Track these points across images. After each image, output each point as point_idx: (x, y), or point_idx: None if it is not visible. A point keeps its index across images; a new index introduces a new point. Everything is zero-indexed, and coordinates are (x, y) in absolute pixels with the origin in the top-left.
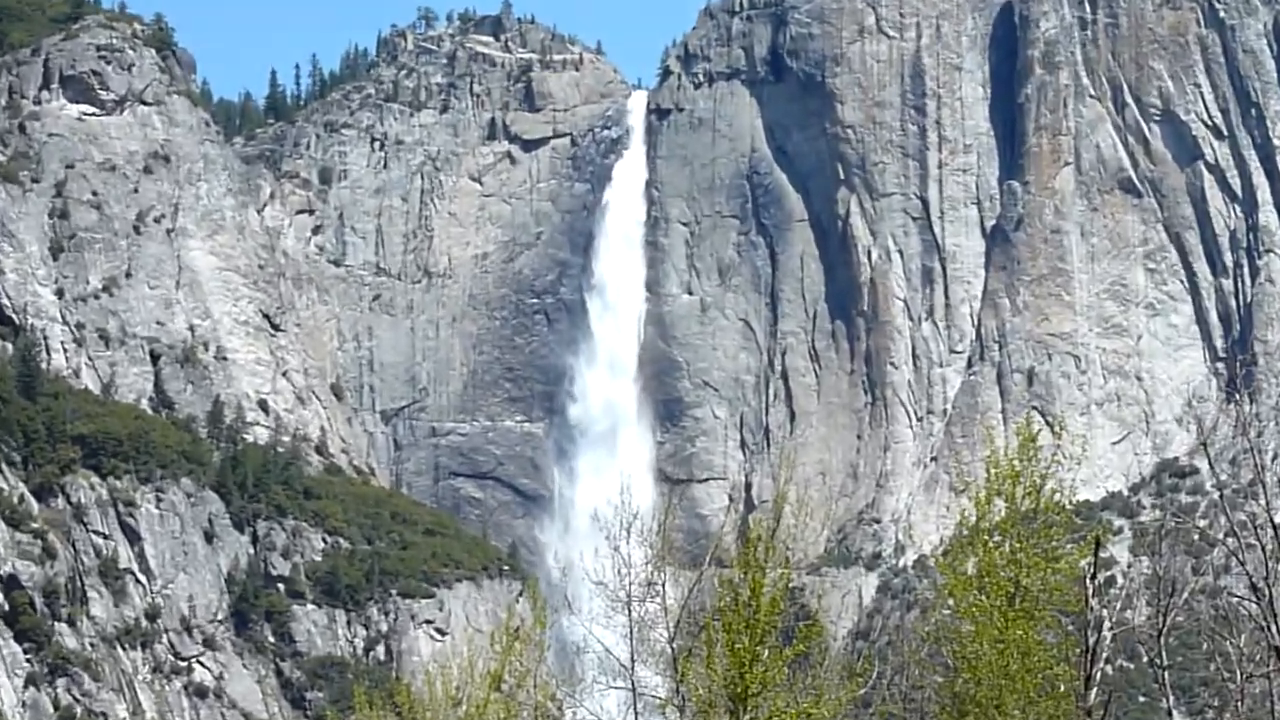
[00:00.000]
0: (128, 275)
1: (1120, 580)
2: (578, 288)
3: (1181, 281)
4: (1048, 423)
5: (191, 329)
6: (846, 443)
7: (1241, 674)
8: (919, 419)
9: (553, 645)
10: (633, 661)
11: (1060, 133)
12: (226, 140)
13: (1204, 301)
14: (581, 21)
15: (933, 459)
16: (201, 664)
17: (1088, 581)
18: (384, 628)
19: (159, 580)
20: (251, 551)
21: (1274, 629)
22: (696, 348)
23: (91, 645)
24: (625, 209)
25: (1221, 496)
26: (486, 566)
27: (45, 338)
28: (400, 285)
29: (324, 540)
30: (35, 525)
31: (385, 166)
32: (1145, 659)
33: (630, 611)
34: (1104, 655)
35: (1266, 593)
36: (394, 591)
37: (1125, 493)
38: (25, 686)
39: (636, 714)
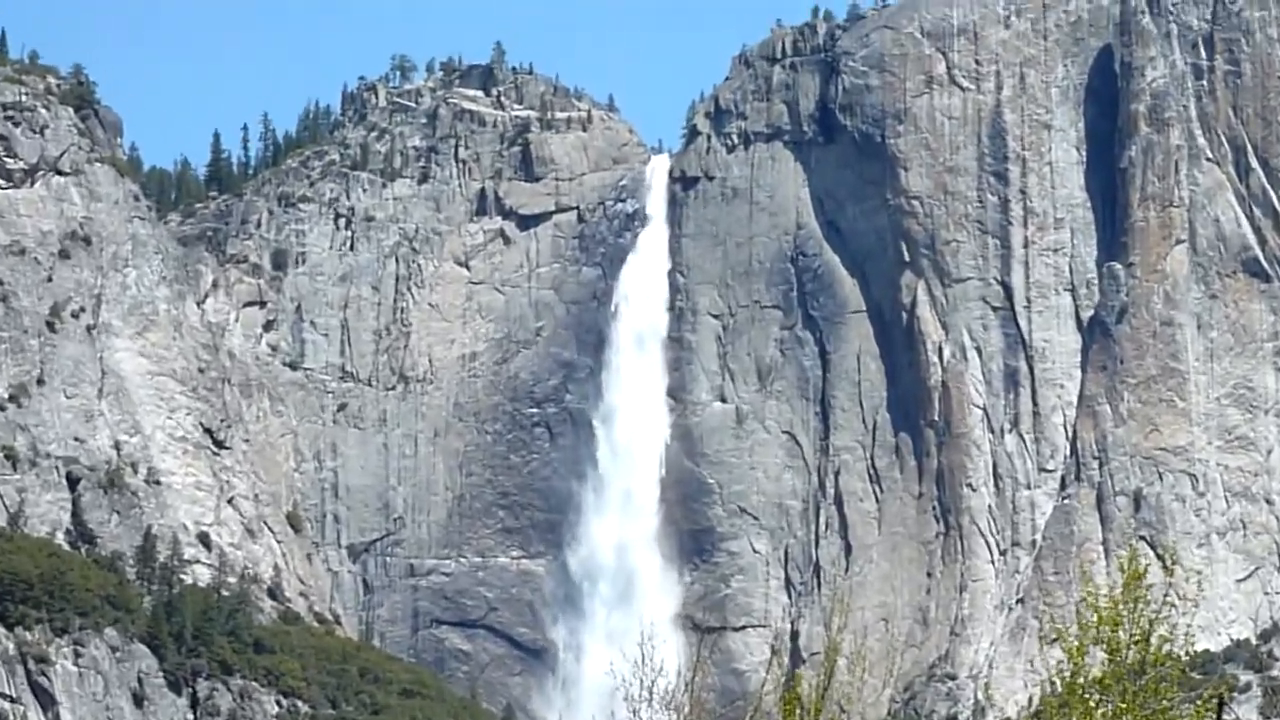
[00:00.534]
0: (39, 382)
1: None
2: (586, 395)
3: None
4: (1159, 556)
5: (117, 447)
6: (914, 581)
7: None
8: (1002, 552)
9: None
10: None
11: (1171, 204)
12: (160, 217)
13: None
14: (589, 72)
15: (1019, 601)
16: None
17: None
18: None
19: None
20: (191, 718)
21: None
22: (731, 467)
23: None
24: (644, 299)
25: None
26: None
27: None
28: (371, 393)
29: (279, 704)
30: None
31: (352, 248)
32: None
33: None
34: None
35: None
36: None
37: (1253, 641)
38: None
39: None
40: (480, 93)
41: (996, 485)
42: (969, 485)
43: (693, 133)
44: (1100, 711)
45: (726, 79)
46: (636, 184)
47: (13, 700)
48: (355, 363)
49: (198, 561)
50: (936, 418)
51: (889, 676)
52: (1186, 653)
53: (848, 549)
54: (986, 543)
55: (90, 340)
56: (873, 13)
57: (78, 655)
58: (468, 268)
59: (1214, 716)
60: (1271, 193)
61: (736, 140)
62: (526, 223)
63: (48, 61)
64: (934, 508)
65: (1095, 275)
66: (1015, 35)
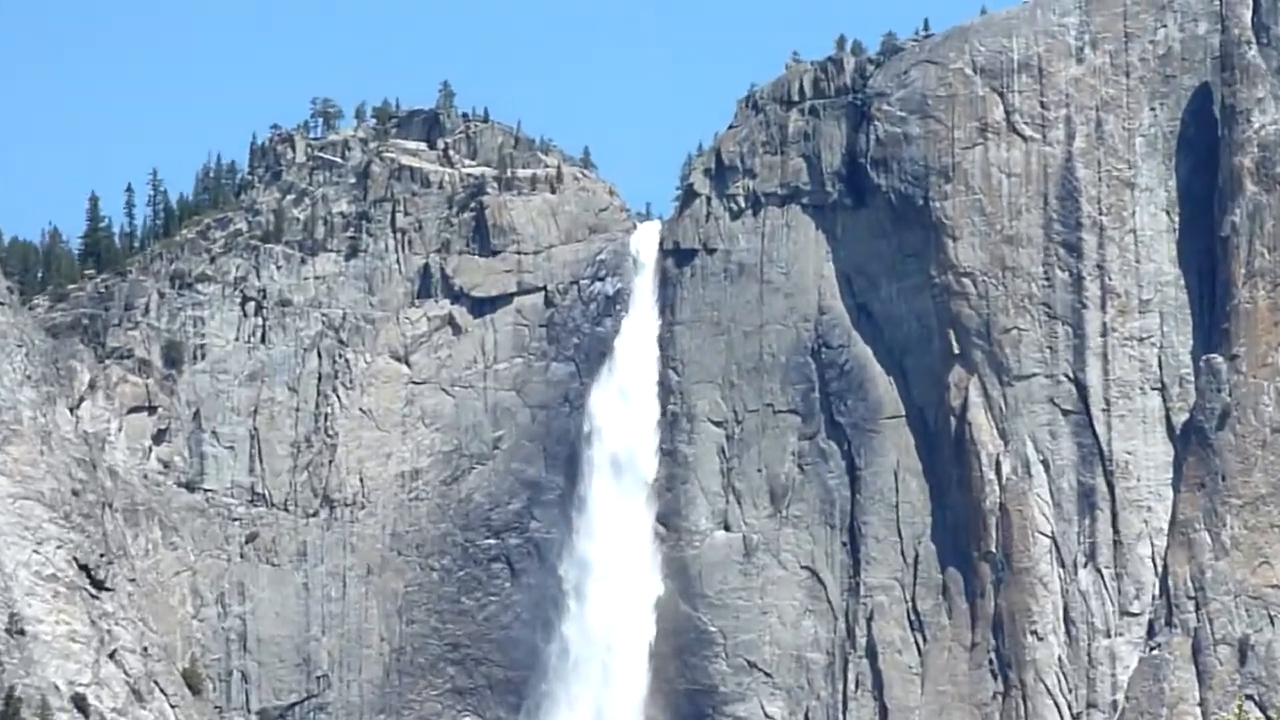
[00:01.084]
0: None
1: None
2: (557, 523)
3: None
4: (1269, 718)
5: None
6: None
7: None
8: (1075, 716)
9: None
10: None
11: None
12: (23, 302)
13: None
14: (559, 120)
15: None
16: None
17: None
18: None
19: None
20: None
21: None
22: (738, 611)
23: None
24: (628, 402)
25: None
26: None
27: None
28: (288, 520)
29: None
30: None
31: (264, 340)
32: None
33: None
34: None
35: None
36: None
37: None
38: None
39: None
40: (423, 145)
41: (1068, 633)
42: (1034, 633)
43: (688, 194)
44: None
45: (730, 127)
46: (618, 259)
47: None
48: (268, 483)
49: None
50: (994, 549)
51: None
52: None
53: (883, 712)
54: (1056, 704)
55: None
56: (912, 44)
57: None
58: (408, 364)
59: None
60: None
61: (743, 203)
62: (481, 307)
63: None
64: (991, 661)
65: (1190, 370)
66: (1090, 72)
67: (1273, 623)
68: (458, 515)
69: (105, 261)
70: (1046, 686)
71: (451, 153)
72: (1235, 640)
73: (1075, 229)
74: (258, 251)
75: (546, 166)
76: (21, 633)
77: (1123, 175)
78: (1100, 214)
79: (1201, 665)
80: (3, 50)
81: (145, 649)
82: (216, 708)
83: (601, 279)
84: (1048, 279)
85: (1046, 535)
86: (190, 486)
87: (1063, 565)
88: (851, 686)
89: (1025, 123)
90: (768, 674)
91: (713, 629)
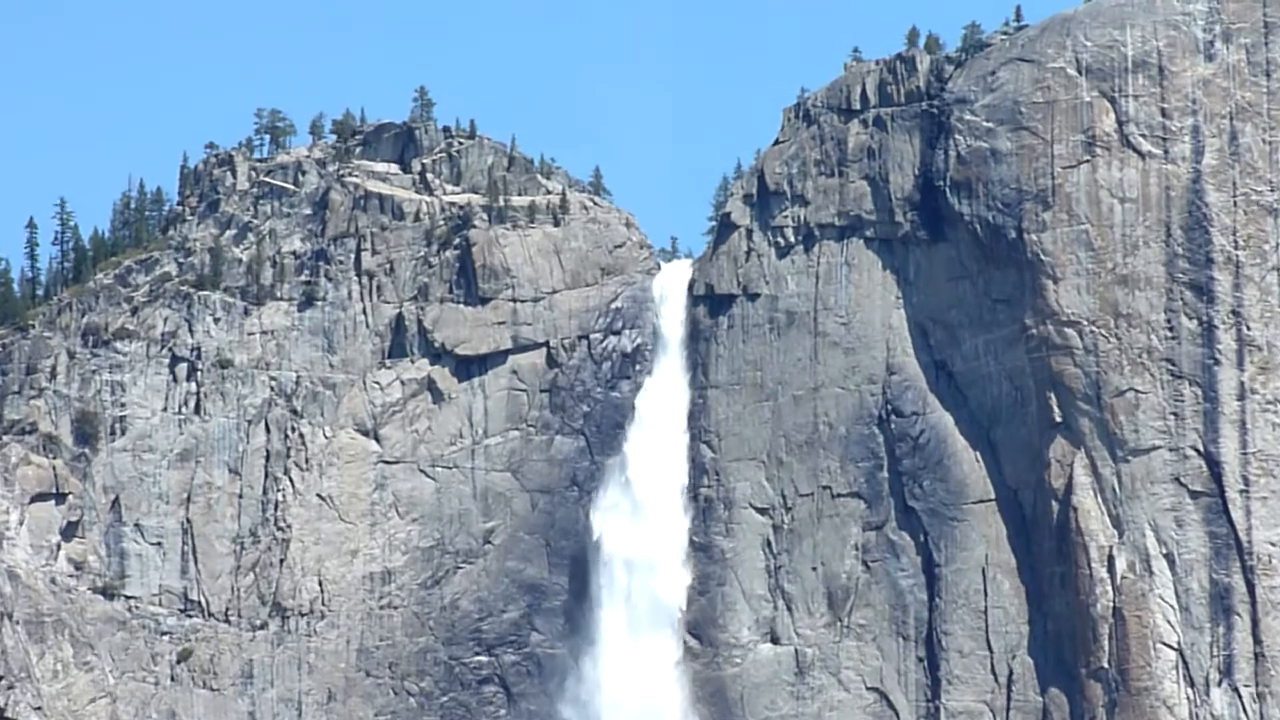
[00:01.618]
0: None
1: None
2: (563, 635)
3: None
4: None
5: None
6: None
7: None
8: None
9: None
10: None
11: None
12: None
13: None
14: (563, 134)
15: None
16: None
17: None
18: None
19: None
20: None
21: None
22: None
23: None
24: (652, 485)
25: None
26: None
27: None
28: (229, 634)
29: None
30: None
31: (198, 411)
32: None
33: None
34: None
35: None
36: None
37: None
38: None
39: None
40: (394, 166)
41: None
42: None
43: (724, 226)
44: None
45: (776, 143)
46: (638, 307)
47: None
48: (205, 588)
49: None
50: (1106, 664)
51: None
52: None
53: None
54: None
55: None
56: (1000, 38)
57: None
58: (377, 439)
59: None
60: None
61: (792, 237)
62: (468, 368)
63: None
64: None
65: None
66: (1222, 71)
67: None
68: (440, 627)
69: (2, 314)
70: None
71: (430, 176)
72: None
73: (1205, 266)
74: (190, 301)
75: (548, 193)
76: None
77: (1263, 199)
78: (1235, 248)
79: None
80: None
81: None
82: None
83: (617, 332)
84: (1171, 329)
85: (1171, 647)
86: (109, 593)
87: (1191, 684)
88: None
89: (1143, 135)
90: None
91: None
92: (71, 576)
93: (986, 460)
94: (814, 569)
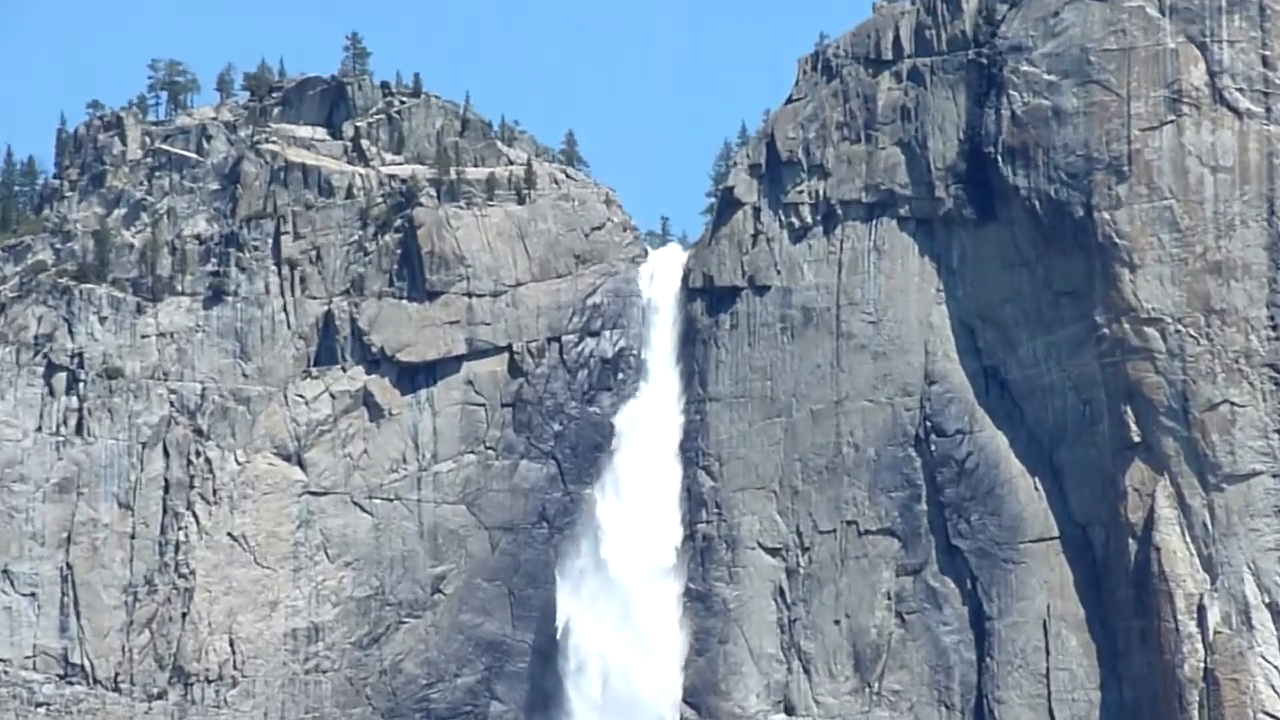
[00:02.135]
0: None
1: None
2: (530, 705)
3: None
4: None
5: None
6: None
7: None
8: None
9: None
10: None
11: None
12: None
13: None
14: (530, 92)
15: None
16: None
17: None
18: None
19: None
20: None
21: None
22: None
23: None
24: (639, 519)
25: None
26: None
27: None
28: (120, 704)
29: None
30: None
31: (80, 431)
32: None
33: None
34: None
35: None
36: None
37: None
38: None
39: None
40: (320, 130)
41: None
42: None
43: (726, 203)
44: None
45: (789, 101)
46: (621, 303)
47: None
48: (89, 649)
49: None
50: None
51: None
52: None
53: None
54: None
55: None
56: None
57: None
58: (302, 465)
59: None
60: None
61: (809, 217)
62: (413, 379)
63: None
64: None
65: None
66: None
67: None
68: (380, 695)
69: None
70: None
71: (365, 143)
72: None
73: None
74: (70, 296)
75: (510, 164)
76: None
77: None
78: None
79: None
80: None
81: None
82: None
83: (595, 334)
84: (1275, 328)
85: (1276, 717)
86: None
87: None
88: None
89: (1240, 90)
90: None
91: None
92: None
93: (1048, 489)
94: (837, 623)
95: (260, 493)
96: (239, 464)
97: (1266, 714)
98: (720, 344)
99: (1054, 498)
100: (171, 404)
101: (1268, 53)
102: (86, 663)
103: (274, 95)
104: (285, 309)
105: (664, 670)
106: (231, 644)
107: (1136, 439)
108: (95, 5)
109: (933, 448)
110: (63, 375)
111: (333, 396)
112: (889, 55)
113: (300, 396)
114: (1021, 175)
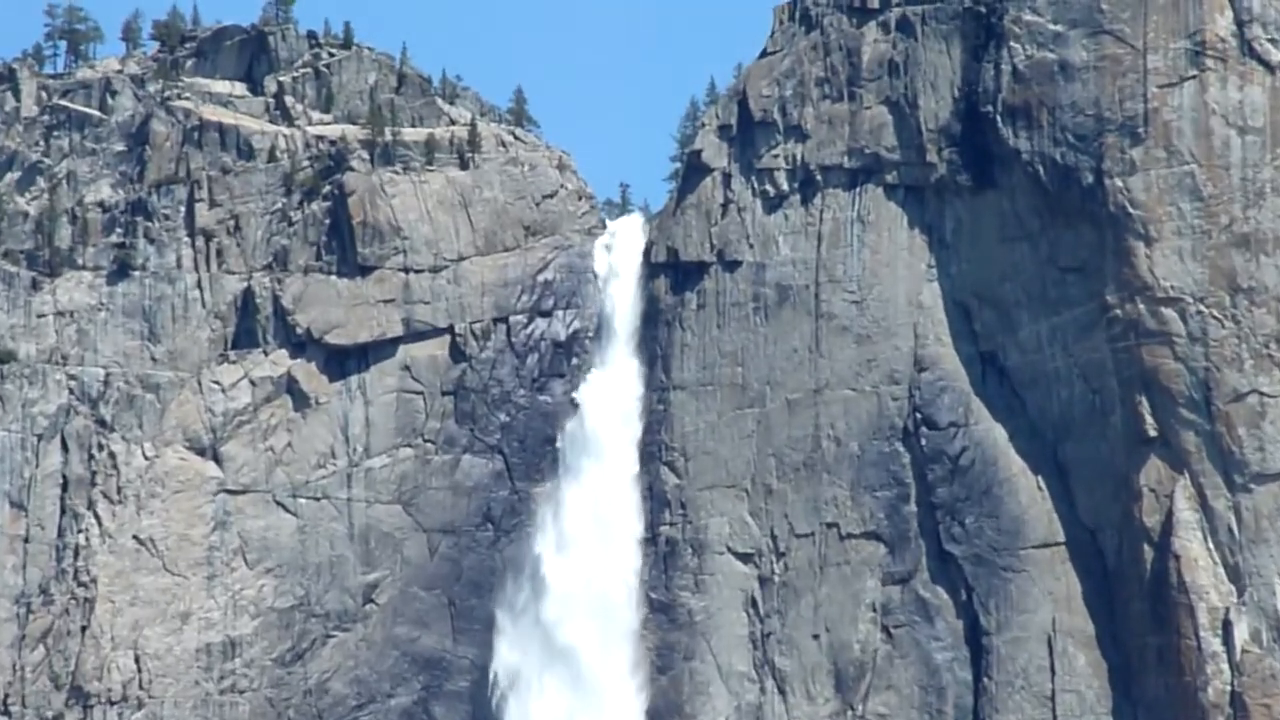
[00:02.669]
0: None
1: None
2: None
3: None
4: None
5: None
6: None
7: None
8: None
9: None
10: None
11: None
12: None
13: None
14: (471, 44)
15: None
16: None
17: None
18: None
19: None
20: None
21: None
22: None
23: None
24: (594, 522)
25: None
26: None
27: None
28: None
29: None
30: None
31: None
32: None
33: None
34: None
35: None
36: None
37: None
38: None
39: None
40: (239, 85)
41: None
42: None
43: (692, 169)
44: None
45: (764, 55)
46: (576, 279)
47: None
48: None
49: None
50: None
51: None
52: None
53: None
54: None
55: None
56: None
57: None
58: (217, 460)
59: None
60: None
61: (786, 184)
62: (343, 363)
63: None
64: None
65: None
66: None
67: None
68: (304, 718)
69: None
70: None
71: (289, 100)
72: None
73: None
74: None
75: (452, 123)
76: None
77: None
78: None
79: None
80: None
81: None
82: None
83: (547, 314)
84: None
85: None
86: None
87: None
88: None
89: (1271, 40)
90: None
91: None
92: None
93: (1053, 489)
94: (815, 637)
95: (170, 491)
96: (147, 459)
97: None
98: (686, 325)
99: (1059, 499)
100: (71, 391)
101: None
102: None
103: (187, 46)
104: (200, 285)
105: (623, 688)
106: (137, 661)
107: (1153, 433)
108: None
109: (923, 442)
110: None
111: (253, 383)
112: (875, 3)
113: (216, 383)
114: (1024, 137)
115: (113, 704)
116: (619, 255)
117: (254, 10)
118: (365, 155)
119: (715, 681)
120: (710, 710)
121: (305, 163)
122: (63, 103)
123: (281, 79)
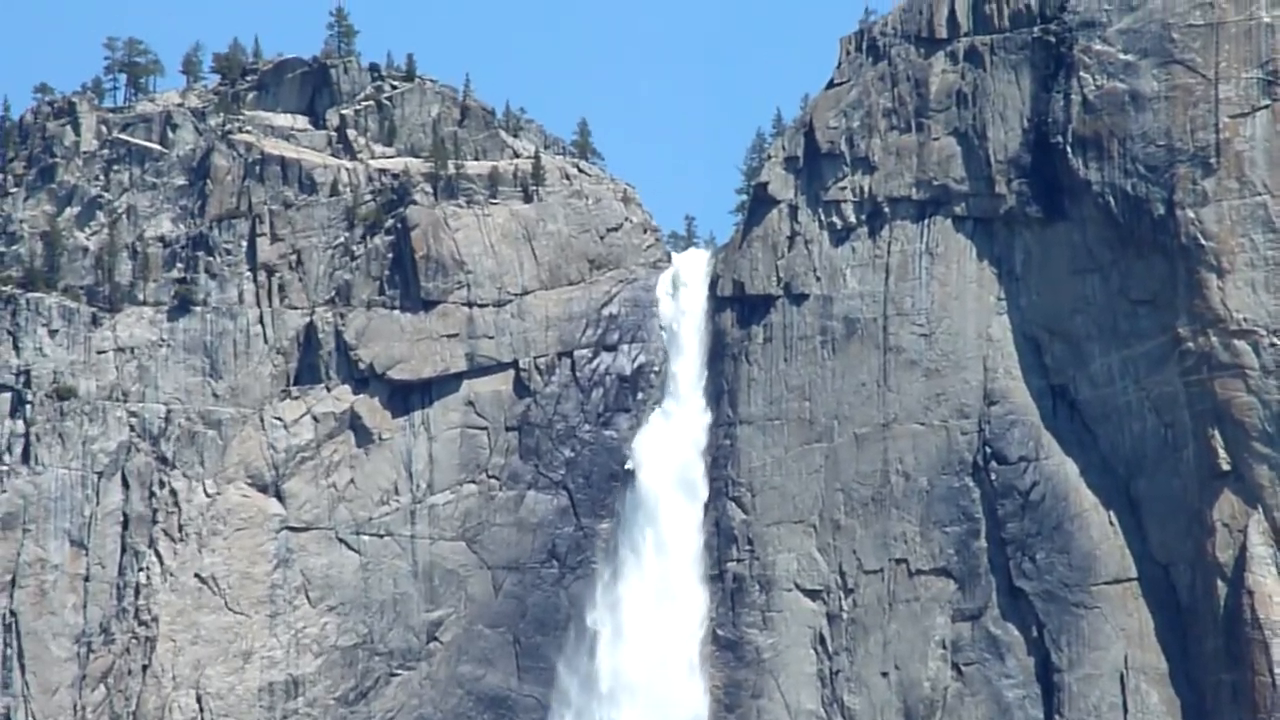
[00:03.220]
0: None
1: None
2: None
3: None
4: None
5: None
6: None
7: None
8: None
9: None
10: None
11: None
12: None
13: None
14: (538, 79)
15: None
16: None
17: None
18: None
19: None
20: None
21: None
22: None
23: None
24: (661, 558)
25: None
26: None
27: None
28: None
29: None
30: None
31: (26, 459)
32: None
33: None
34: None
35: None
36: None
37: None
38: None
39: None
40: (301, 119)
41: None
42: None
43: (759, 201)
44: None
45: (830, 86)
46: (641, 313)
47: None
48: (36, 706)
49: None
50: None
51: None
52: None
53: None
54: None
55: None
56: None
57: None
58: (280, 497)
59: None
60: None
61: (853, 216)
62: (406, 399)
63: None
64: None
65: None
66: None
67: None
68: None
69: None
70: None
71: (351, 133)
72: None
73: None
74: (16, 306)
75: (515, 157)
76: None
77: None
78: None
79: None
80: None
81: None
82: None
83: (612, 348)
84: None
85: None
86: None
87: None
88: None
89: None
90: None
91: None
92: None
93: (1125, 524)
94: (885, 675)
95: (232, 529)
96: (208, 496)
97: None
98: (752, 360)
99: (1131, 534)
100: (131, 428)
101: None
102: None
103: (248, 79)
104: (261, 320)
105: (690, 705)
106: (199, 700)
107: (1226, 467)
108: None
109: (993, 477)
110: (7, 396)
111: (315, 419)
112: (943, 33)
113: (278, 419)
114: (1094, 168)
115: None
116: (684, 289)
117: (316, 43)
118: (428, 188)
119: (784, 718)
120: None
121: (368, 196)
122: (123, 136)
123: (344, 112)
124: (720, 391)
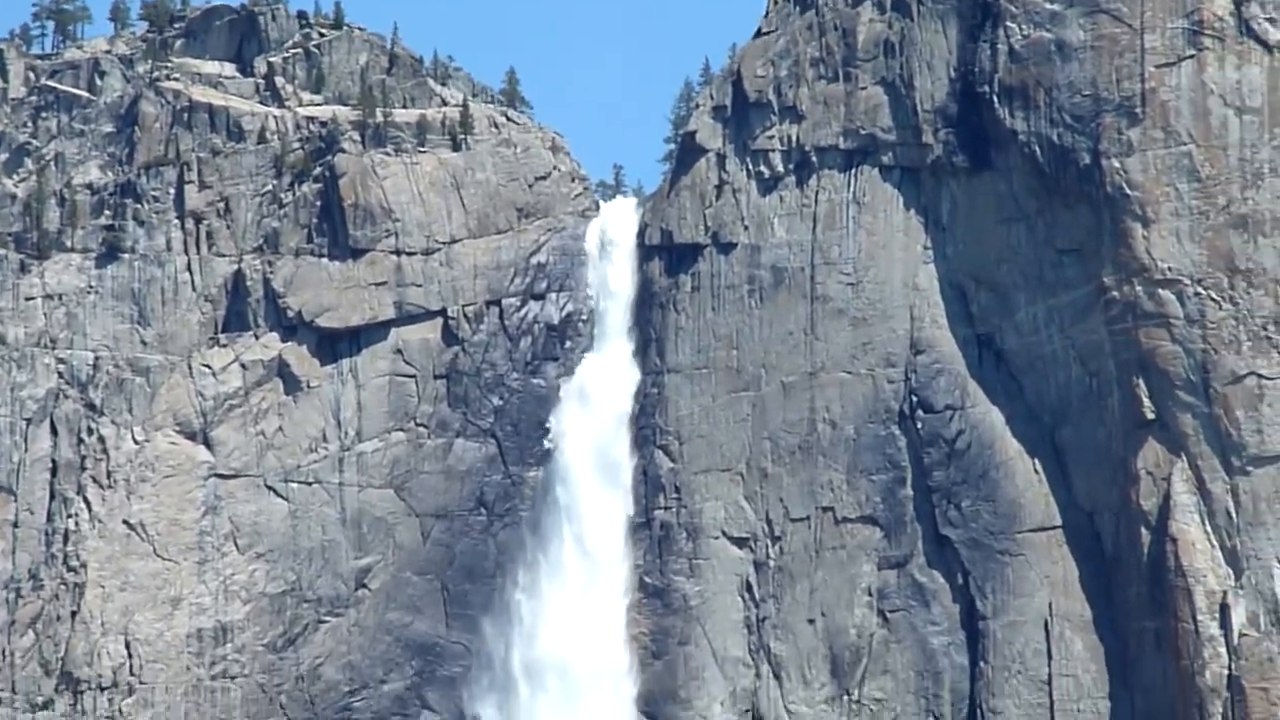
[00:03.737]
0: None
1: None
2: (466, 716)
3: None
4: None
5: None
6: None
7: None
8: None
9: None
10: None
11: None
12: None
13: None
14: (466, 26)
15: None
16: None
17: None
18: None
19: None
20: None
21: None
22: None
23: None
24: (588, 506)
25: None
26: None
27: None
28: (1, 716)
29: None
30: None
31: None
32: None
33: None
34: None
35: None
36: None
37: None
38: None
39: None
40: (229, 66)
41: None
42: None
43: (686, 150)
44: None
45: (758, 35)
46: (570, 262)
47: None
48: None
49: None
50: None
51: None
52: None
53: None
54: None
55: None
56: None
57: None
58: (208, 445)
59: None
60: None
61: (781, 165)
62: (335, 346)
63: None
64: None
65: None
66: None
67: None
68: (295, 703)
69: None
70: None
71: (280, 80)
72: None
73: None
74: None
75: (444, 105)
76: None
77: None
78: None
79: None
80: None
81: None
82: None
83: (540, 296)
84: None
85: None
86: None
87: None
88: None
89: (1270, 19)
90: None
91: None
92: None
93: (1050, 473)
94: (811, 622)
95: (161, 475)
96: (137, 443)
97: None
98: (680, 308)
99: (1056, 482)
100: (60, 375)
101: None
102: None
103: (176, 26)
104: (189, 268)
105: (615, 674)
106: (128, 646)
107: (1150, 416)
108: None
109: (919, 425)
110: None
111: (243, 367)
112: None
113: (206, 367)
114: (1020, 118)
115: (103, 690)
116: (613, 238)
117: None
118: (356, 137)
119: (710, 667)
120: (705, 696)
121: (296, 144)
122: (51, 84)
123: (272, 60)
124: (648, 340)
